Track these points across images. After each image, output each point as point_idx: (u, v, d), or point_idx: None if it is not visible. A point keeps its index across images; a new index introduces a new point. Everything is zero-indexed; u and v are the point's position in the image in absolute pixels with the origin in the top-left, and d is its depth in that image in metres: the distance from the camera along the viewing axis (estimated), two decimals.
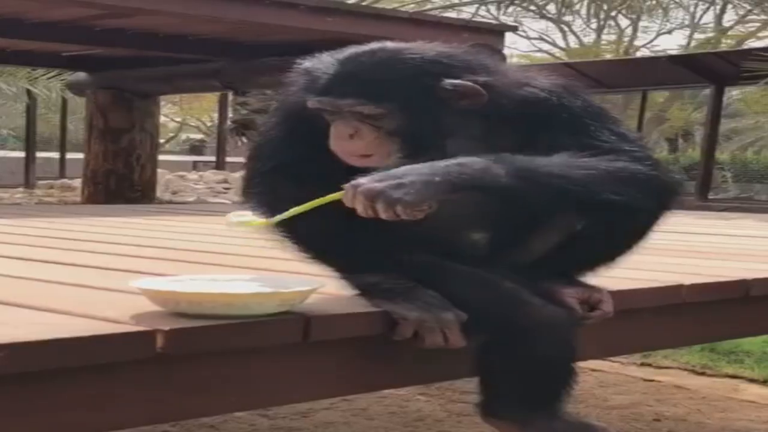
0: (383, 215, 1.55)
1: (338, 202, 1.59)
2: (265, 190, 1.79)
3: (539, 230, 1.85)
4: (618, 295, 1.94)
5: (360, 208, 1.57)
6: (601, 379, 4.35)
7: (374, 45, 1.76)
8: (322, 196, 1.62)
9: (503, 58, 7.48)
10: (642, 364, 4.66)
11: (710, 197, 11.43)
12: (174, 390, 1.53)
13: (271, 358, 1.62)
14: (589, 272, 1.90)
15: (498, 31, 8.47)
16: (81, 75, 9.46)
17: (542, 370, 1.74)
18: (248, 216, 1.71)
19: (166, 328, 1.45)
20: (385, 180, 1.56)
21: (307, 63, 1.77)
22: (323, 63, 1.74)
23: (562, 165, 1.66)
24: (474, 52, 1.78)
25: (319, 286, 1.65)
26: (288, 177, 1.76)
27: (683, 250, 3.12)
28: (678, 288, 2.24)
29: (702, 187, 11.26)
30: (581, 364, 1.81)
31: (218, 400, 1.60)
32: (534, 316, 1.72)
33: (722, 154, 18.09)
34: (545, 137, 1.72)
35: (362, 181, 1.57)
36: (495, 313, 1.71)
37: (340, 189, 1.59)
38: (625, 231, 1.84)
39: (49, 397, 1.39)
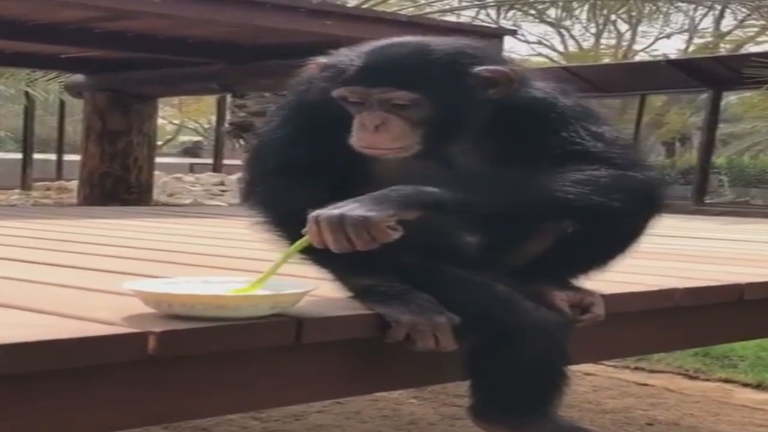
0: (357, 241, 1.52)
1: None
2: (269, 190, 1.77)
3: (532, 233, 1.85)
4: (612, 299, 1.94)
5: (330, 241, 1.53)
6: (594, 383, 4.35)
7: (399, 38, 1.74)
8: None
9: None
10: (635, 368, 4.66)
11: (707, 201, 11.44)
12: (166, 392, 1.53)
13: (263, 360, 1.62)
14: (582, 275, 1.89)
15: (497, 35, 8.49)
16: (79, 77, 9.47)
17: (534, 373, 1.74)
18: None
19: (158, 330, 1.45)
20: (341, 207, 1.54)
21: (326, 58, 1.73)
22: (347, 55, 1.71)
23: (527, 178, 1.66)
24: (493, 47, 1.77)
25: (313, 288, 1.65)
26: (295, 176, 1.72)
27: (677, 254, 3.12)
28: (672, 292, 2.24)
29: (698, 192, 11.26)
30: (574, 368, 1.81)
31: (210, 402, 1.60)
32: (525, 320, 1.72)
33: (719, 159, 18.10)
34: (532, 139, 1.72)
35: (319, 212, 1.54)
36: (487, 317, 1.71)
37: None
38: (612, 234, 1.83)
39: (40, 399, 1.39)
